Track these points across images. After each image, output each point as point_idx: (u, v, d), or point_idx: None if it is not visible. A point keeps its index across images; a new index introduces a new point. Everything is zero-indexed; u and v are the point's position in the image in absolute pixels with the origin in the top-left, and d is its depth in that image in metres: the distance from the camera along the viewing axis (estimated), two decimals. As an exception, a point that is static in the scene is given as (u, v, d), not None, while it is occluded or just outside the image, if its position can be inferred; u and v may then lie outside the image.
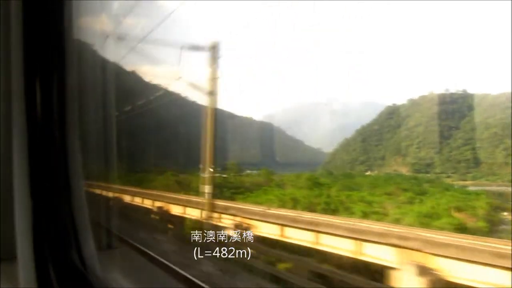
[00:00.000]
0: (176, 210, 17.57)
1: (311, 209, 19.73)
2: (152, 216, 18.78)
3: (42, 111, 1.69)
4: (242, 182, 33.37)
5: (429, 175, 56.32)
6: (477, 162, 55.96)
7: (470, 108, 64.49)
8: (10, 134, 1.59)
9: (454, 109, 64.79)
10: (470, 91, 69.17)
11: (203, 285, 7.86)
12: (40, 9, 1.76)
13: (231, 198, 24.75)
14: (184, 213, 16.97)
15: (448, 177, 53.53)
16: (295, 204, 20.96)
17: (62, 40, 1.87)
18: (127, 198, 22.28)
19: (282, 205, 19.83)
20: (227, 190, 28.93)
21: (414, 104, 71.33)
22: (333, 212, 18.98)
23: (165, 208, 18.19)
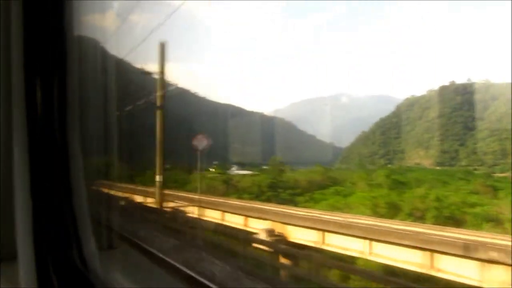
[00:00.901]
0: (299, 236, 11.61)
1: (415, 216, 15.61)
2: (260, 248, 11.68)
3: (43, 110, 1.69)
4: (296, 181, 28.81)
5: (459, 167, 54.55)
6: (504, 154, 53.82)
7: (494, 98, 62.15)
8: (10, 134, 1.59)
9: (477, 99, 62.58)
10: (492, 80, 66.84)
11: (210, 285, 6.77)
12: (40, 9, 1.75)
13: (292, 201, 20.64)
14: (324, 243, 11.01)
15: (475, 169, 51.73)
16: (390, 209, 16.03)
17: (63, 40, 1.86)
18: (191, 211, 16.47)
19: (375, 212, 15.50)
20: (283, 190, 25.15)
21: (434, 95, 69.46)
22: (452, 222, 14.69)
23: (276, 232, 12.02)
